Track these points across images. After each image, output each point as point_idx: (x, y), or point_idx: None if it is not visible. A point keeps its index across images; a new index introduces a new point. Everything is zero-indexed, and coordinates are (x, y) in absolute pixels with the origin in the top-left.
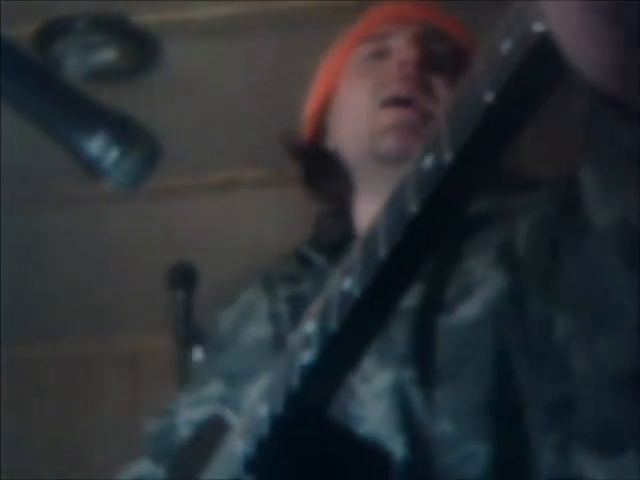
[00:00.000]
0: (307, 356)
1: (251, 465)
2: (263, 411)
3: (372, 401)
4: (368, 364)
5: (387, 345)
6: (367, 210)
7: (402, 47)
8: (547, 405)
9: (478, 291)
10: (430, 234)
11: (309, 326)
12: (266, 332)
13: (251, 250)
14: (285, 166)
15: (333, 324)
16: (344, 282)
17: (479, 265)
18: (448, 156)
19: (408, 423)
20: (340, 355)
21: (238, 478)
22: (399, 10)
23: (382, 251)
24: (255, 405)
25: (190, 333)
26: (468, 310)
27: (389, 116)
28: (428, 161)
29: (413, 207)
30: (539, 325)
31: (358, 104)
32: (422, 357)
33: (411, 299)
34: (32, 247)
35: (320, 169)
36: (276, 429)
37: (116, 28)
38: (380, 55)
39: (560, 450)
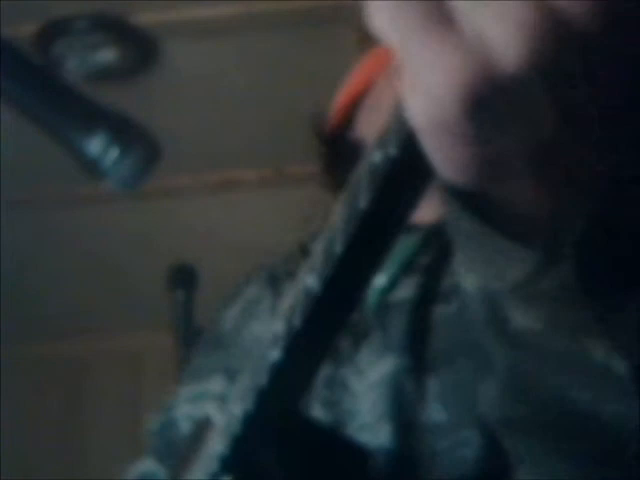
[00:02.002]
0: (274, 355)
1: (227, 464)
2: (237, 410)
3: (365, 393)
4: (364, 358)
5: (384, 337)
6: None
7: None
8: None
9: None
10: (383, 228)
11: (278, 325)
12: (269, 329)
13: (251, 250)
14: (285, 166)
15: (297, 321)
16: (307, 279)
17: None
18: (393, 151)
19: (397, 410)
20: (306, 352)
21: (216, 478)
22: None
23: (338, 247)
24: (231, 404)
25: (190, 333)
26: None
27: None
28: (377, 156)
29: (363, 202)
30: None
31: (395, 98)
32: (416, 346)
33: (408, 290)
34: (32, 247)
35: (344, 158)
36: (249, 428)
37: (116, 28)
38: None
39: None
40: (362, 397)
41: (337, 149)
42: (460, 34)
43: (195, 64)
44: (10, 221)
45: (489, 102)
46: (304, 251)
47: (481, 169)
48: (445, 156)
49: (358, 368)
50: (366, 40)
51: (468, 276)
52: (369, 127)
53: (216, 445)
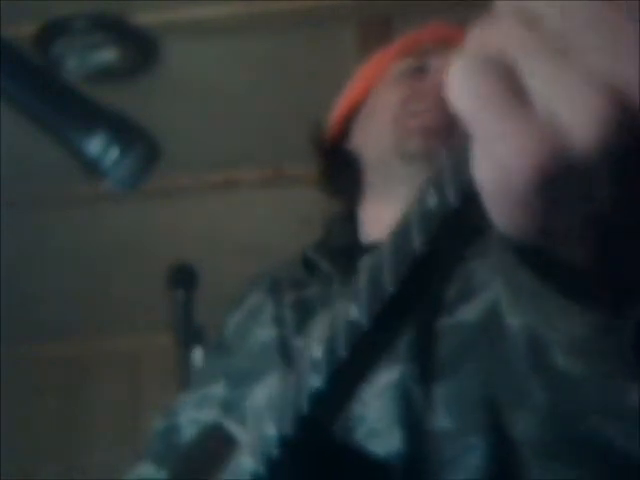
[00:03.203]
0: (315, 381)
1: None
2: (272, 431)
3: (373, 400)
4: None
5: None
6: (376, 215)
7: (438, 68)
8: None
9: (479, 295)
10: (434, 269)
11: (317, 351)
12: (271, 335)
13: (251, 250)
14: (285, 166)
15: (341, 351)
16: (351, 310)
17: (481, 269)
18: (451, 197)
19: (407, 417)
20: (348, 380)
21: None
22: (442, 32)
23: (388, 284)
24: (263, 423)
25: (190, 333)
26: (468, 313)
27: (417, 121)
28: (432, 200)
29: (417, 245)
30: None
31: (390, 109)
32: (422, 355)
33: None
34: (32, 247)
35: (339, 168)
36: (285, 449)
37: (116, 28)
38: (418, 72)
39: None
40: (370, 403)
41: (335, 159)
42: (533, 111)
43: (195, 64)
44: (10, 221)
45: (556, 177)
46: (306, 261)
47: (539, 230)
48: (505, 217)
49: None
50: (367, 39)
51: (514, 314)
52: (365, 137)
53: (247, 462)
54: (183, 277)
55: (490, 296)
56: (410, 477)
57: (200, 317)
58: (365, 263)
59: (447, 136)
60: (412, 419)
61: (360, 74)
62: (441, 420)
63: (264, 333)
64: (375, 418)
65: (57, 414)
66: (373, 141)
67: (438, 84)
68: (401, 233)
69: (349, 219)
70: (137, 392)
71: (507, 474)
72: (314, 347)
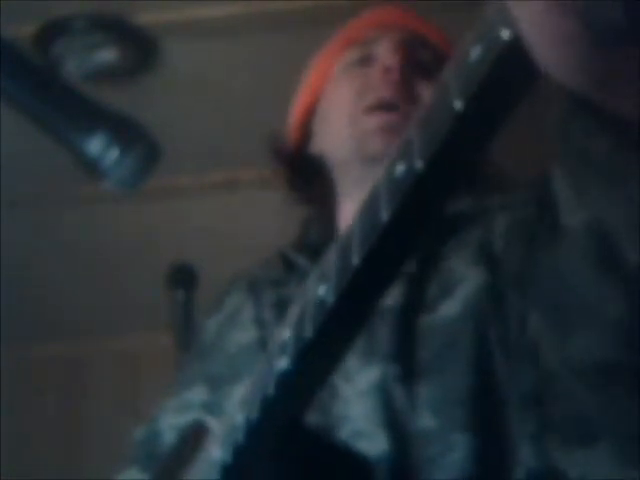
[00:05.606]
0: (283, 363)
1: (228, 472)
2: (240, 419)
3: (356, 399)
4: (352, 363)
5: (371, 344)
6: (350, 213)
7: (386, 52)
8: (521, 397)
9: (459, 289)
10: (403, 240)
11: (285, 333)
12: (251, 337)
13: (251, 250)
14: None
15: (308, 332)
16: (319, 289)
17: (459, 264)
18: (419, 164)
19: (391, 419)
20: (316, 362)
21: None
22: (383, 17)
23: (355, 259)
24: (233, 413)
25: (190, 333)
26: (450, 307)
27: (374, 121)
28: (400, 169)
29: (385, 215)
30: (515, 320)
31: (344, 108)
32: (405, 354)
33: (394, 298)
34: (32, 247)
35: (305, 174)
36: (252, 436)
37: (116, 28)
38: (365, 61)
39: (535, 441)
40: (352, 403)
41: (300, 166)
42: None
43: (195, 64)
44: (10, 221)
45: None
46: (285, 260)
47: (590, 71)
48: (559, 63)
49: (346, 374)
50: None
51: (576, 210)
52: (325, 140)
53: (216, 452)
54: (183, 277)
55: (469, 290)
56: (398, 478)
57: (200, 317)
58: (335, 243)
59: (404, 126)
60: (396, 421)
61: (309, 73)
62: (424, 420)
63: (244, 335)
64: (359, 419)
65: (56, 414)
66: (333, 144)
67: (386, 67)
68: (368, 206)
69: (325, 217)
70: (137, 392)
71: (491, 471)
72: (283, 330)
